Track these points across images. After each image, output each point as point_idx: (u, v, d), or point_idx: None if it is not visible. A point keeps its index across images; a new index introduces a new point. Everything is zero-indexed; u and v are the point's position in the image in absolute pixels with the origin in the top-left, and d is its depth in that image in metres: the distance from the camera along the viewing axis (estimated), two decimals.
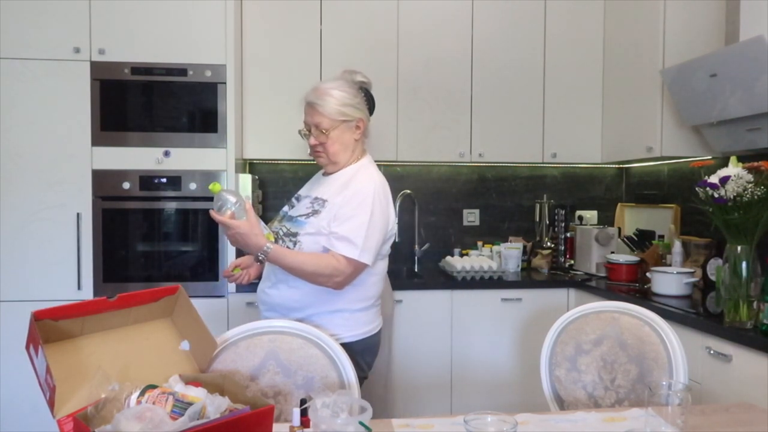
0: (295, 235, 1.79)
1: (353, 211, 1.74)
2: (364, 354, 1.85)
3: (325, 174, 1.92)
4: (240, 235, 1.65)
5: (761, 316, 1.94)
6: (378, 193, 1.78)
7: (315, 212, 1.80)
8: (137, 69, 2.76)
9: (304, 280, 1.75)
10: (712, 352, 2.08)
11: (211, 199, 2.81)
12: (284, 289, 1.81)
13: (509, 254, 3.32)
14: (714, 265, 2.62)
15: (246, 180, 2.90)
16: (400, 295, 2.91)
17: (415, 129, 3.25)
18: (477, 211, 3.65)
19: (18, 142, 2.70)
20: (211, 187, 1.66)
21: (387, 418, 1.46)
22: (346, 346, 1.72)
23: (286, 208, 1.93)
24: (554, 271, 3.37)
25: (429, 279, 3.13)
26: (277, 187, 3.47)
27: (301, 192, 1.98)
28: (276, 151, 3.18)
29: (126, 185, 2.75)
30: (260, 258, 1.69)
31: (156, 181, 2.77)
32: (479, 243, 3.56)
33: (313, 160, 1.92)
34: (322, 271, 1.71)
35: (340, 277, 1.73)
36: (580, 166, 3.69)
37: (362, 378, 1.82)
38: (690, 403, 1.26)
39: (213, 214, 1.66)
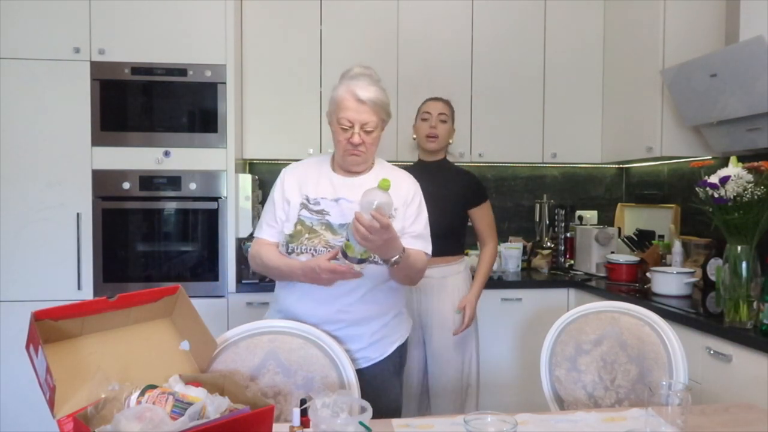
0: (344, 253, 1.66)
1: (417, 210, 1.77)
2: None
3: (349, 174, 1.77)
4: (393, 240, 1.53)
5: (761, 316, 1.94)
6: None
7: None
8: (137, 69, 2.76)
9: (404, 281, 1.76)
10: (712, 352, 2.08)
11: (209, 199, 2.84)
12: (369, 301, 1.73)
13: (509, 254, 3.32)
14: (714, 265, 2.61)
15: (246, 180, 2.90)
16: None
17: None
18: None
19: (18, 142, 2.70)
20: (381, 183, 1.48)
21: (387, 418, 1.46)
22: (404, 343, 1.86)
23: (313, 216, 1.70)
24: (554, 271, 3.37)
25: None
26: None
27: (325, 195, 1.73)
28: (276, 151, 3.18)
29: (126, 185, 2.75)
30: (397, 261, 1.59)
31: (156, 181, 2.77)
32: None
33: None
34: (423, 267, 1.75)
35: (424, 272, 1.79)
36: (580, 166, 3.69)
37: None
38: (690, 403, 1.26)
39: (375, 215, 1.44)
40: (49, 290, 2.71)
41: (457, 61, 3.29)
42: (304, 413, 1.24)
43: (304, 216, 1.71)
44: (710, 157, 2.83)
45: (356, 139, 1.67)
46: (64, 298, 2.68)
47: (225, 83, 2.80)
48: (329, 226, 1.69)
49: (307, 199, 1.73)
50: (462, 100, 3.31)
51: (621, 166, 3.73)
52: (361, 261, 1.53)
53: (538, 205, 3.58)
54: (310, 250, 1.66)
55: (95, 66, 2.74)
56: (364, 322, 1.73)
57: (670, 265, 2.92)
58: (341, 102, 1.68)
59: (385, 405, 1.75)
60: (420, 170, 2.57)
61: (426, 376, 2.53)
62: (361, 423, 1.13)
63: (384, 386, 1.78)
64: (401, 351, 1.84)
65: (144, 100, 2.79)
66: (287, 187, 1.76)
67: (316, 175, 1.78)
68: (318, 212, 1.72)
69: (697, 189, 2.12)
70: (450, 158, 2.65)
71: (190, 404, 1.14)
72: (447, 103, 2.60)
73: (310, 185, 1.76)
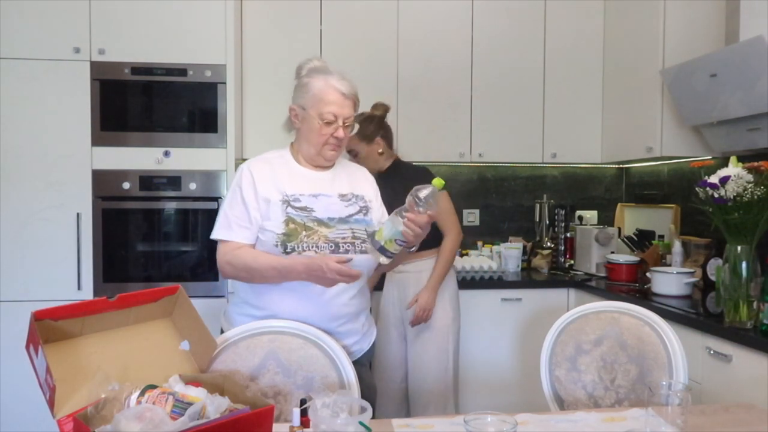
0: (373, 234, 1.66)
1: (380, 200, 1.86)
2: None
3: (317, 168, 1.76)
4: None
5: (761, 316, 1.94)
6: None
7: (366, 208, 1.75)
8: (137, 69, 2.76)
9: (393, 266, 1.91)
10: (712, 352, 2.08)
11: (209, 199, 2.84)
12: (360, 294, 1.77)
13: (509, 254, 3.32)
14: (714, 265, 2.61)
15: None
16: None
17: (415, 129, 3.25)
18: (477, 211, 3.65)
19: (18, 142, 2.70)
20: (436, 182, 1.60)
21: (387, 418, 1.46)
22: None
23: (300, 213, 1.66)
24: (554, 271, 3.37)
25: None
26: None
27: (303, 191, 1.70)
28: None
29: (126, 185, 2.75)
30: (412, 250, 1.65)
31: (156, 181, 2.77)
32: (479, 243, 3.55)
33: None
34: None
35: None
36: (580, 166, 3.69)
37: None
38: (690, 403, 1.26)
39: (430, 214, 1.55)
40: (49, 290, 2.71)
41: (457, 61, 3.29)
42: (304, 413, 1.24)
43: (292, 213, 1.66)
44: (710, 157, 2.83)
45: (341, 133, 1.69)
46: (64, 298, 2.68)
47: (225, 83, 2.80)
48: (321, 222, 1.67)
49: (287, 196, 1.68)
50: (462, 100, 3.31)
51: (621, 166, 3.73)
52: (382, 249, 1.56)
53: (538, 205, 3.58)
54: (312, 247, 1.63)
55: (95, 66, 2.74)
56: (356, 315, 1.78)
57: (670, 265, 2.91)
58: (324, 96, 1.70)
59: (368, 386, 1.79)
60: (383, 176, 2.51)
61: (408, 371, 2.58)
62: (361, 423, 1.13)
63: (365, 371, 1.84)
64: None
65: (144, 100, 2.79)
66: (261, 186, 1.69)
67: (286, 171, 1.74)
68: (302, 209, 1.67)
69: (697, 189, 2.12)
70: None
71: (190, 404, 1.14)
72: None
73: (284, 182, 1.71)
